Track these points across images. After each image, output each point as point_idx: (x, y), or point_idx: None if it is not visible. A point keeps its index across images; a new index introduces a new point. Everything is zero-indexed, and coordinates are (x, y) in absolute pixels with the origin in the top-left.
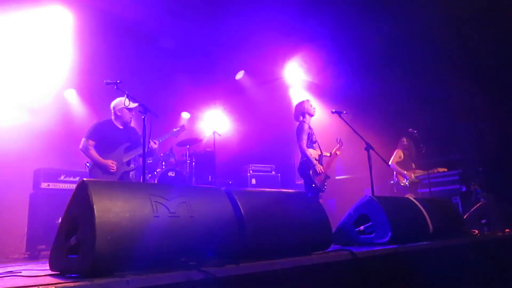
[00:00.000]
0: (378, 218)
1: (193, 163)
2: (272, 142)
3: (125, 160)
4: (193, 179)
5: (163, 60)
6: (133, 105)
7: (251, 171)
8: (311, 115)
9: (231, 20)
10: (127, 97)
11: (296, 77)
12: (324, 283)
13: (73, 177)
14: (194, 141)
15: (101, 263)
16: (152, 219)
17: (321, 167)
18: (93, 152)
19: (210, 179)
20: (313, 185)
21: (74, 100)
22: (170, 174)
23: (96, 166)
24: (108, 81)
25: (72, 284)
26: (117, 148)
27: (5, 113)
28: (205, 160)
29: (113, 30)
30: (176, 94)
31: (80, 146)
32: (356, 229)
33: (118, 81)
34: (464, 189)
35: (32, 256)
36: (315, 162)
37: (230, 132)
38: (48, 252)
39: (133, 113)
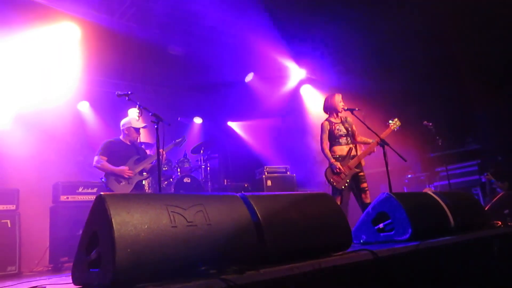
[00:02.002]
0: (397, 215)
1: (208, 168)
2: (286, 143)
3: (137, 170)
4: (209, 184)
5: (172, 66)
6: (140, 125)
7: (266, 173)
8: (338, 111)
9: (237, 22)
10: (139, 107)
11: (306, 75)
12: (346, 284)
13: (91, 189)
14: (208, 145)
15: (122, 276)
16: (170, 229)
17: (338, 165)
18: (107, 164)
19: (225, 183)
20: (329, 185)
21: (87, 112)
22: (186, 180)
23: (112, 176)
24: (119, 93)
25: None
26: (128, 161)
27: (21, 130)
28: (220, 164)
29: (120, 41)
30: (188, 99)
31: (94, 163)
32: (375, 227)
33: (129, 93)
34: (483, 179)
35: (56, 268)
36: (332, 160)
37: (243, 135)
38: (71, 264)
39: (139, 133)
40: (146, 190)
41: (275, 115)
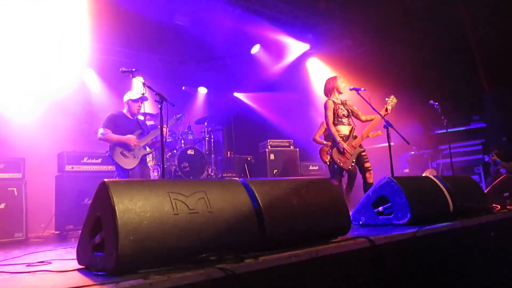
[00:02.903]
0: (397, 199)
1: (212, 140)
2: (290, 116)
3: (141, 144)
4: (212, 156)
5: (178, 36)
6: (136, 96)
7: (269, 147)
8: (340, 93)
9: None
10: (144, 85)
11: (312, 48)
12: (343, 271)
13: (95, 159)
14: (212, 117)
15: (124, 263)
16: (172, 217)
17: (345, 145)
18: (112, 135)
19: (229, 155)
20: (335, 166)
21: (93, 79)
22: (190, 152)
23: (118, 149)
24: (123, 69)
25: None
26: (132, 135)
27: (27, 98)
28: (224, 136)
29: (126, 10)
30: (193, 69)
31: (99, 135)
32: (375, 210)
33: (133, 70)
34: (487, 159)
35: (61, 235)
36: (339, 139)
37: (248, 107)
38: (76, 232)
39: (140, 103)
40: (150, 164)
41: (281, 88)
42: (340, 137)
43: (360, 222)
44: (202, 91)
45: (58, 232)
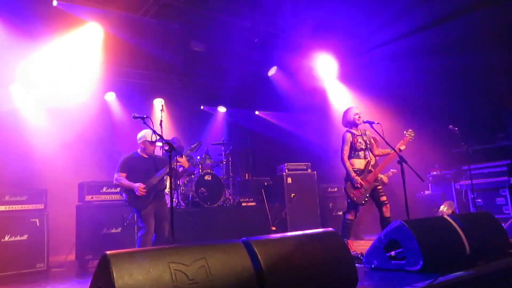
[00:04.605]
0: (409, 244)
1: (230, 163)
2: (308, 139)
3: (155, 182)
4: (230, 180)
5: (196, 59)
6: (153, 138)
7: (286, 170)
8: (356, 125)
9: (261, 15)
10: (153, 132)
11: (330, 69)
12: None
13: (114, 188)
14: (230, 139)
15: None
16: None
17: (359, 180)
18: (125, 181)
19: (247, 177)
20: (348, 200)
21: (114, 102)
22: (207, 178)
23: (130, 192)
24: (136, 115)
25: None
26: (147, 176)
27: (50, 130)
28: (241, 157)
29: (143, 35)
30: (212, 90)
31: (114, 181)
32: (387, 254)
33: (145, 116)
34: None
35: (81, 265)
36: (353, 175)
37: (266, 128)
38: (95, 261)
39: (156, 145)
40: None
41: (299, 109)
42: (354, 171)
43: (372, 266)
44: (221, 109)
45: (78, 261)
